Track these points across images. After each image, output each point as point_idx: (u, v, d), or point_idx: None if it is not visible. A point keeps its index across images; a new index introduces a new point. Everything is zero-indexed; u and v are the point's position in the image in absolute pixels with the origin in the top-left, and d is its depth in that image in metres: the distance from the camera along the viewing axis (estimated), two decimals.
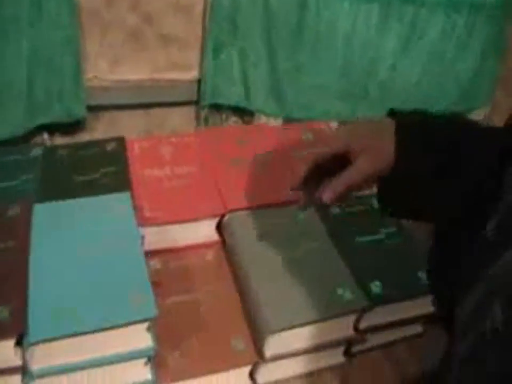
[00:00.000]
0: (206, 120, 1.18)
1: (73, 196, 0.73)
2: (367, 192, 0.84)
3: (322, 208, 0.85)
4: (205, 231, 0.82)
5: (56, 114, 1.03)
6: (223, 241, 0.82)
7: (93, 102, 1.06)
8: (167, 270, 0.75)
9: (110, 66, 1.07)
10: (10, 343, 0.54)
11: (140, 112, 1.15)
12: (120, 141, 0.88)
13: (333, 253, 0.78)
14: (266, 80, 1.17)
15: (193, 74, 1.14)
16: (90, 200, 0.72)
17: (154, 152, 0.89)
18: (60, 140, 1.09)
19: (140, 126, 1.16)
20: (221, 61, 1.13)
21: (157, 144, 0.91)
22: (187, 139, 0.94)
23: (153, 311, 0.57)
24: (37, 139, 1.06)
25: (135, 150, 0.89)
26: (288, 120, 1.23)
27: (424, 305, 0.76)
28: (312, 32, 1.15)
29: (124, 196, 0.73)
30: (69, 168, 0.81)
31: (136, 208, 0.73)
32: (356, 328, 0.72)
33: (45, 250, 0.63)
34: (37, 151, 0.84)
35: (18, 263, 0.61)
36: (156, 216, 0.77)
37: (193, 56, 1.13)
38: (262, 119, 1.20)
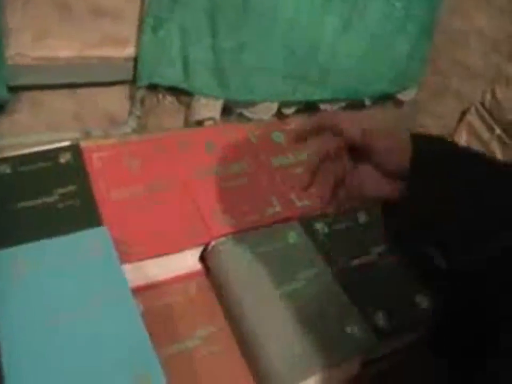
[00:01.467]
0: (142, 101, 1.08)
1: (30, 229, 0.59)
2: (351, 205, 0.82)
3: (309, 228, 0.80)
4: (187, 262, 0.74)
5: None
6: (207, 271, 0.75)
7: (15, 82, 0.91)
8: (150, 313, 0.66)
9: (34, 42, 0.92)
10: None
11: (68, 92, 1.01)
12: (76, 149, 0.74)
13: (332, 281, 0.74)
14: (207, 60, 1.08)
15: (128, 51, 1.02)
16: (57, 242, 0.59)
17: (116, 163, 0.78)
18: None
19: (69, 109, 1.03)
20: (159, 38, 1.02)
21: (119, 152, 0.79)
22: (151, 144, 0.83)
23: None
24: None
25: (94, 161, 0.76)
26: (229, 102, 1.16)
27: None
28: (256, 10, 1.07)
29: (99, 233, 0.61)
30: (16, 190, 0.66)
31: None
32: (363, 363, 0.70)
33: (16, 321, 0.51)
34: None
35: None
36: (131, 252, 0.66)
37: (129, 31, 1.01)
38: (201, 101, 1.11)
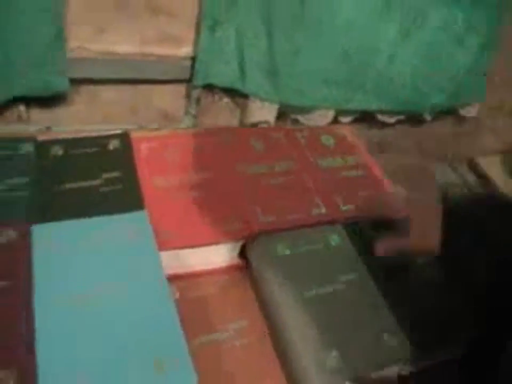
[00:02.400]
0: (198, 100, 1.08)
1: (74, 208, 0.62)
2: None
3: (353, 231, 0.79)
4: (226, 255, 0.73)
5: (34, 86, 0.91)
6: (246, 266, 0.75)
7: (75, 75, 0.94)
8: (186, 302, 0.66)
9: (94, 36, 0.95)
10: None
11: (125, 87, 1.03)
12: (125, 138, 0.77)
13: (371, 287, 0.74)
14: (263, 62, 1.08)
15: (186, 50, 1.03)
16: (98, 222, 0.61)
17: (164, 154, 0.79)
18: (37, 114, 0.97)
19: (125, 103, 1.05)
20: (216, 39, 1.02)
21: (167, 144, 0.81)
22: (199, 138, 0.85)
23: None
24: (12, 112, 0.95)
25: (142, 150, 0.78)
26: (283, 107, 1.15)
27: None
28: (313, 14, 1.06)
29: (139, 217, 0.62)
30: (65, 171, 0.69)
31: None
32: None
33: (51, 291, 0.53)
34: (27, 147, 0.71)
35: (20, 310, 0.51)
36: (169, 240, 0.67)
37: (187, 30, 1.02)
38: (257, 103, 1.11)
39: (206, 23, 1.01)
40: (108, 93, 1.03)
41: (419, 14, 1.18)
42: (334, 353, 0.65)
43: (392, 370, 0.68)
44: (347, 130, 1.02)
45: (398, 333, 0.69)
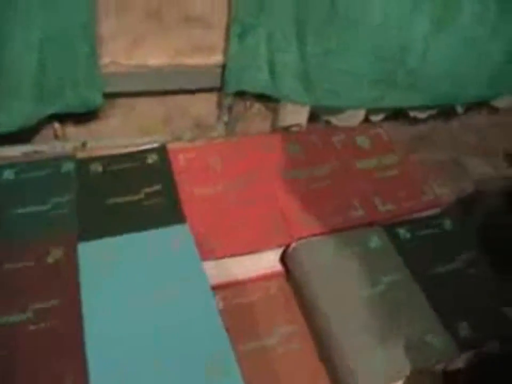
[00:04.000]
0: (230, 108, 1.09)
1: (117, 224, 0.63)
2: (435, 212, 0.80)
3: (392, 233, 0.79)
4: (268, 262, 0.74)
5: (70, 103, 0.92)
6: (287, 272, 0.75)
7: (109, 89, 0.95)
8: (231, 310, 0.67)
9: (127, 50, 0.96)
10: None
11: (159, 99, 1.04)
12: (162, 151, 0.78)
13: (414, 288, 0.73)
14: (294, 66, 1.07)
15: (217, 58, 1.03)
16: (142, 237, 0.62)
17: (202, 163, 0.80)
18: (72, 130, 0.98)
19: (159, 114, 1.06)
20: (247, 45, 1.02)
21: (204, 153, 0.82)
22: (236, 146, 0.86)
23: None
24: (48, 129, 0.96)
25: (180, 161, 0.79)
26: (315, 109, 1.15)
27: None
28: (343, 15, 1.05)
29: (181, 230, 0.63)
30: (106, 187, 0.70)
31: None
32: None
33: (100, 307, 0.54)
34: (68, 166, 0.73)
35: (70, 325, 0.52)
36: (213, 249, 0.68)
37: (217, 38, 1.02)
38: (288, 107, 1.11)
39: (235, 30, 1.01)
40: (142, 105, 1.04)
41: (452, 7, 1.16)
42: (380, 354, 0.65)
43: (437, 368, 0.68)
44: (381, 129, 1.01)
45: (442, 333, 0.68)
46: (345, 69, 1.13)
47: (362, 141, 0.96)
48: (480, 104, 1.39)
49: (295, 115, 1.12)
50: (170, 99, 1.06)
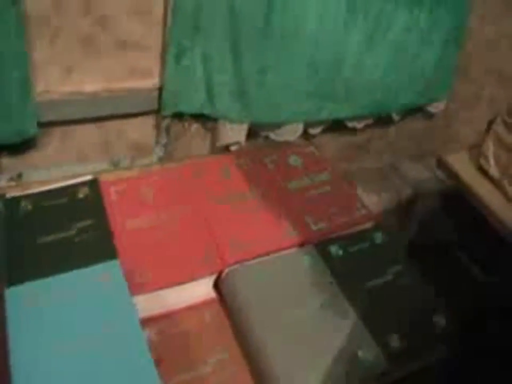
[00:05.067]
0: (168, 130, 1.08)
1: (48, 264, 0.62)
2: (367, 226, 0.82)
3: (323, 251, 0.80)
4: (201, 290, 0.75)
5: (3, 134, 0.90)
6: (221, 299, 0.76)
7: (44, 118, 0.94)
8: (165, 341, 0.67)
9: (62, 77, 0.95)
10: None
11: (96, 124, 1.03)
12: (94, 184, 0.77)
13: (345, 306, 0.74)
14: (231, 84, 1.08)
15: (153, 81, 1.03)
16: (72, 276, 0.61)
17: (134, 195, 0.80)
18: (8, 161, 0.97)
19: (97, 140, 1.05)
20: (183, 67, 1.02)
21: (136, 184, 0.82)
22: (168, 174, 0.86)
23: None
24: None
25: (111, 194, 0.79)
26: (254, 125, 1.15)
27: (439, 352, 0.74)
28: (278, 30, 1.06)
29: (112, 265, 0.63)
30: (37, 225, 0.69)
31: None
32: None
33: (27, 354, 0.53)
34: None
35: None
36: (146, 282, 0.68)
37: (153, 62, 1.02)
38: (227, 126, 1.11)
39: (171, 52, 1.01)
40: (79, 132, 1.03)
41: (383, 18, 1.17)
42: (313, 375, 0.66)
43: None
44: (313, 147, 1.03)
45: (373, 347, 0.69)
46: (282, 83, 1.14)
47: (295, 160, 0.97)
48: (415, 110, 1.42)
49: (234, 133, 1.13)
50: (107, 124, 1.05)
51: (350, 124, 1.30)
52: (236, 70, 1.08)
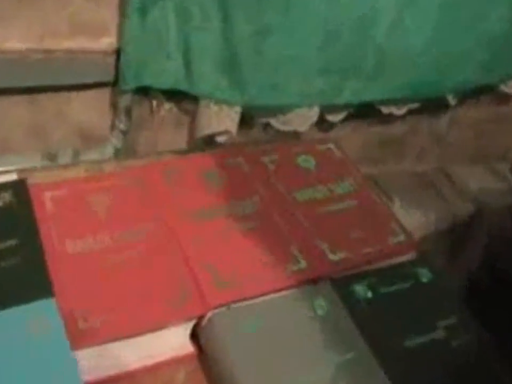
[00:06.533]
0: (128, 111, 1.10)
1: None
2: (407, 257, 0.84)
3: (345, 291, 0.81)
4: (174, 342, 0.74)
5: None
6: (200, 352, 0.76)
7: None
8: None
9: None
10: None
11: (26, 99, 1.04)
12: (20, 187, 0.75)
13: (374, 370, 0.74)
14: (216, 51, 1.09)
15: (108, 41, 1.04)
16: None
17: (78, 205, 0.79)
18: None
19: (24, 123, 1.06)
20: (149, 23, 1.03)
21: (82, 189, 0.81)
22: (127, 176, 0.86)
23: None
24: None
25: (45, 203, 0.77)
26: (249, 109, 1.17)
27: None
28: None
29: (45, 307, 0.62)
30: None
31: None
32: None
33: None
34: None
35: None
36: (95, 331, 0.66)
37: (108, 14, 1.03)
38: (211, 108, 1.12)
39: (134, 1, 1.01)
40: (2, 109, 1.04)
41: None
42: None
43: None
44: (333, 145, 1.03)
45: None
46: (288, 54, 1.15)
47: (305, 160, 0.97)
48: (478, 92, 1.42)
49: (221, 119, 1.14)
50: (42, 100, 1.06)
51: (385, 110, 1.31)
52: (223, 30, 1.09)
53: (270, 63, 1.14)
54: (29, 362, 0.60)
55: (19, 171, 0.82)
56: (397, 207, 1.08)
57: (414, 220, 1.12)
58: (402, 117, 1.35)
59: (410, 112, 1.35)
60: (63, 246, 0.74)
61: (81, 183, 0.83)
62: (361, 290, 0.82)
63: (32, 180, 0.81)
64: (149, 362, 0.73)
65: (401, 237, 0.91)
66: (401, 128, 1.39)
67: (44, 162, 1.06)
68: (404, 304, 0.82)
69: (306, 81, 1.19)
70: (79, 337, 0.65)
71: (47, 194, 0.79)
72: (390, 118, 1.34)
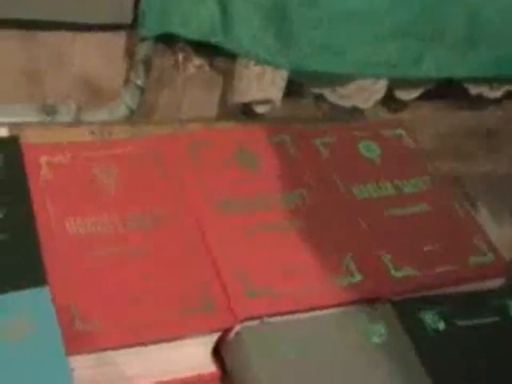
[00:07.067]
0: (147, 63, 1.11)
1: None
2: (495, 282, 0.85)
3: (412, 316, 0.82)
4: (190, 357, 0.76)
5: None
6: (223, 373, 0.77)
7: None
8: None
9: None
10: None
11: (21, 36, 1.05)
12: (12, 146, 0.78)
13: None
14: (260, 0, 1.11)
15: None
16: None
17: (81, 175, 0.81)
18: None
19: (17, 67, 1.07)
20: None
21: (86, 157, 0.83)
22: (143, 145, 0.88)
23: None
24: None
25: (41, 168, 0.79)
26: (298, 75, 1.18)
27: None
28: None
29: (37, 297, 0.64)
30: None
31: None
32: None
33: None
34: None
35: None
36: (94, 333, 0.68)
37: None
38: (252, 69, 1.13)
39: None
40: None
41: None
42: None
43: None
44: (404, 131, 1.04)
45: None
46: (352, 7, 1.15)
47: (368, 147, 0.98)
48: None
49: (263, 85, 1.15)
50: (39, 38, 1.07)
51: (474, 91, 1.30)
52: None
53: (328, 17, 1.14)
54: (13, 367, 0.62)
55: (11, 125, 0.83)
56: (484, 217, 1.07)
57: (506, 235, 1.11)
58: (497, 101, 1.34)
59: (508, 95, 1.35)
60: (61, 225, 0.76)
61: (85, 149, 0.85)
62: (430, 319, 0.82)
63: (26, 139, 0.83)
64: (159, 379, 0.75)
65: (488, 257, 0.91)
66: (495, 115, 1.38)
67: (41, 117, 1.07)
68: (484, 343, 0.82)
69: (373, 44, 1.19)
70: (75, 340, 0.66)
71: (43, 159, 0.81)
72: (480, 101, 1.33)
